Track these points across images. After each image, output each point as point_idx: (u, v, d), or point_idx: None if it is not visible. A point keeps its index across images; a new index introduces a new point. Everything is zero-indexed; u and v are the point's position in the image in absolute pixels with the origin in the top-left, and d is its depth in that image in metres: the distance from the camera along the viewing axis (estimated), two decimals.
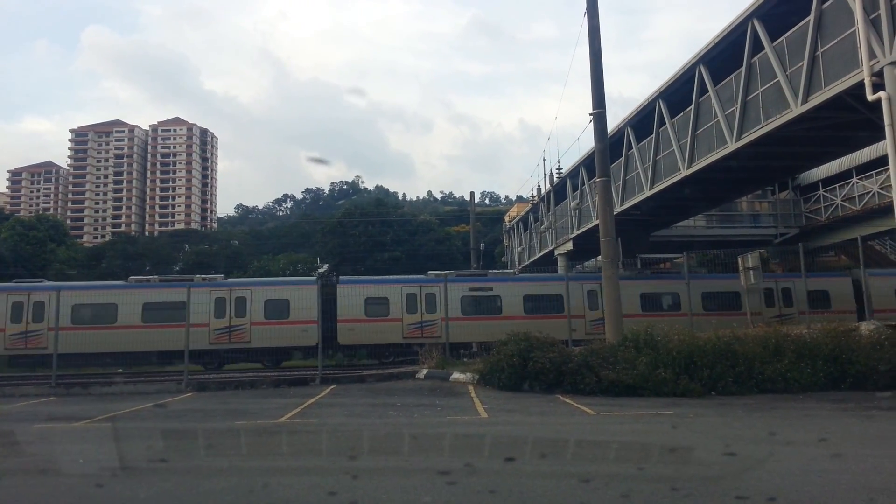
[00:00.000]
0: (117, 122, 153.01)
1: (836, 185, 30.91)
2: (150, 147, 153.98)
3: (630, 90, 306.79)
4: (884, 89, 14.61)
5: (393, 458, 7.49)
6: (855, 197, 29.41)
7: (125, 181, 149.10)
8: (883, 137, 15.39)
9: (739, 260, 21.97)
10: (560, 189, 36.31)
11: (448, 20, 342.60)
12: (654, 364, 13.45)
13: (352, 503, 5.25)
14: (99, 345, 21.70)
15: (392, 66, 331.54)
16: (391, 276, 29.65)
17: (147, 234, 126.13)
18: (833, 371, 13.21)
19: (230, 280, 26.38)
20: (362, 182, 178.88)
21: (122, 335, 22.30)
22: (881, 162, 25.48)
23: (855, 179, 29.46)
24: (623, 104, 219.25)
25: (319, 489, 5.81)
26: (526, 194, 48.43)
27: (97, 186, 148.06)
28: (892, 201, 15.22)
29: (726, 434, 8.93)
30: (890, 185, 15.91)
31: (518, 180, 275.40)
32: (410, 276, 27.14)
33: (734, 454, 7.25)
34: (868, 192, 28.43)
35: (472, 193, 48.00)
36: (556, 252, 35.80)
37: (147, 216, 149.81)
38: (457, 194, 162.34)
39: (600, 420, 10.51)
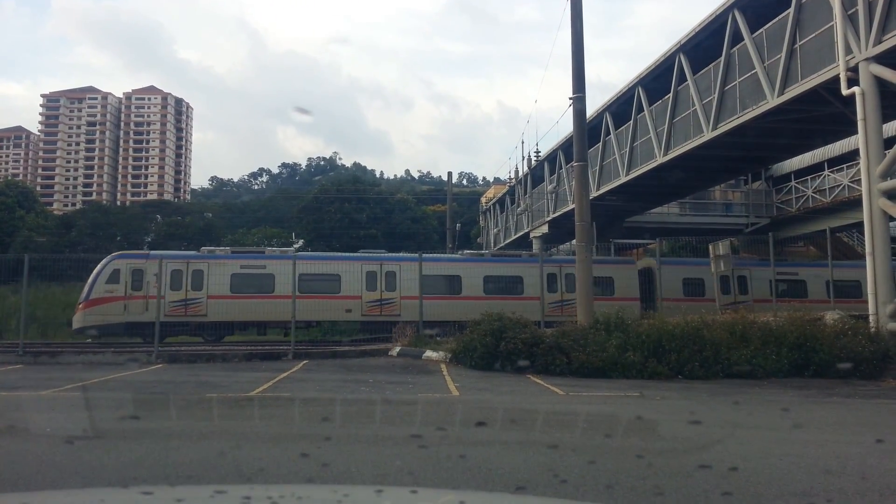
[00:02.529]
0: (90, 89, 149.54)
1: (808, 177, 31.43)
2: (123, 115, 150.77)
3: (610, 76, 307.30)
4: (858, 84, 14.87)
5: (364, 427, 7.59)
6: (826, 189, 29.95)
7: (97, 149, 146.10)
8: (855, 132, 15.68)
9: (710, 248, 22.30)
10: (537, 172, 36.44)
11: None
12: (624, 347, 13.66)
13: (323, 465, 5.32)
14: (255, 314, 21.71)
15: (372, 42, 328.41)
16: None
17: (119, 203, 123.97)
18: (797, 358, 13.53)
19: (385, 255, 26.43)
20: (340, 158, 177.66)
21: (278, 304, 21.69)
22: (852, 156, 25.95)
23: (826, 172, 29.97)
24: (602, 89, 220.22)
25: (291, 453, 5.89)
26: (503, 176, 48.58)
27: (68, 154, 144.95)
28: (861, 195, 15.52)
29: (691, 415, 9.15)
30: (860, 179, 16.23)
31: (496, 162, 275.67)
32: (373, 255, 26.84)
33: (698, 432, 7.46)
34: (838, 185, 28.96)
35: (449, 174, 48.05)
36: (532, 235, 35.99)
37: (119, 185, 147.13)
38: (434, 174, 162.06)
39: (569, 399, 10.69)
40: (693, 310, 16.24)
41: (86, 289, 22.36)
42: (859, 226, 21.82)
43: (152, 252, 24.63)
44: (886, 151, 14.84)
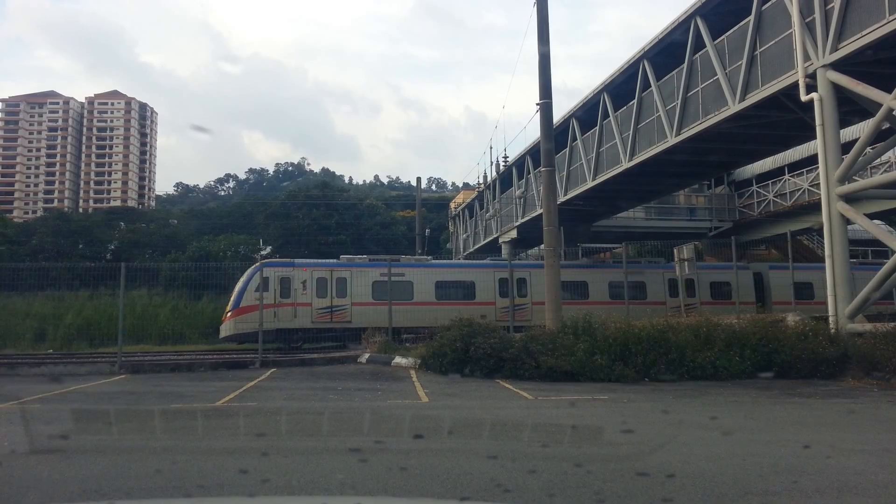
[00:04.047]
0: (51, 94, 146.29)
1: (769, 182, 32.06)
2: (86, 120, 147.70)
3: (576, 81, 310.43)
4: (817, 91, 15.22)
5: (326, 439, 7.52)
6: (786, 193, 30.58)
7: (59, 155, 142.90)
8: (814, 137, 16.04)
9: (675, 251, 22.62)
10: (506, 177, 36.60)
11: (398, 2, 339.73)
12: (592, 350, 13.78)
13: (263, 481, 5.24)
14: (395, 320, 21.22)
15: (339, 47, 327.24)
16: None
17: (81, 210, 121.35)
18: (760, 360, 13.76)
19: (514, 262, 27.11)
20: (308, 164, 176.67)
21: (417, 311, 21.80)
22: (812, 160, 26.59)
23: (787, 177, 30.62)
24: (569, 95, 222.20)
25: (231, 468, 5.78)
26: (472, 181, 48.70)
27: (29, 160, 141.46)
28: (820, 198, 15.89)
29: (663, 414, 9.27)
30: (819, 183, 16.61)
31: (464, 167, 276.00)
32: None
33: (649, 436, 7.62)
34: (798, 189, 29.60)
35: (418, 179, 48.08)
36: (501, 240, 36.13)
37: (82, 192, 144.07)
38: (404, 179, 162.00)
39: (538, 404, 10.73)
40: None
41: (234, 297, 22.69)
42: (819, 229, 22.35)
43: (297, 260, 25.59)
44: (844, 156, 15.22)
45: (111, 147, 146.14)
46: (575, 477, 5.53)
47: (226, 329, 22.85)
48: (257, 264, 24.02)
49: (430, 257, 29.08)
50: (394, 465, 5.83)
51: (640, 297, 24.44)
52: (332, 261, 25.90)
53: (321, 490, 5.19)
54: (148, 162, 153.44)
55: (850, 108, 15.92)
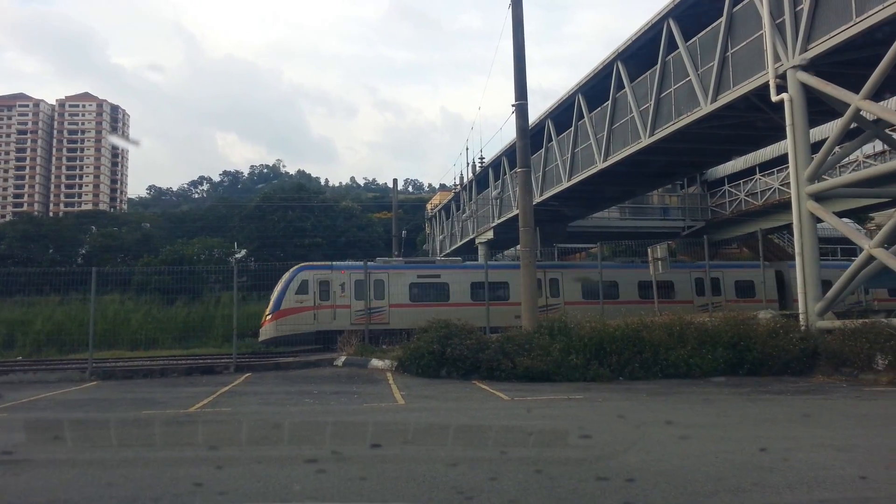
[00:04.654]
0: (21, 96, 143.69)
1: (741, 181, 32.51)
2: (56, 123, 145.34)
3: (551, 83, 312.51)
4: (787, 91, 15.44)
5: (294, 446, 7.42)
6: (757, 193, 31.01)
7: (28, 158, 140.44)
8: (784, 137, 16.28)
9: (649, 251, 22.80)
10: (482, 178, 36.67)
11: (373, 4, 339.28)
12: (567, 350, 13.83)
13: (220, 494, 5.14)
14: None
15: (315, 49, 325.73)
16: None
17: (52, 214, 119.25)
18: (732, 357, 13.94)
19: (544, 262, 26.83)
20: (283, 166, 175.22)
21: (453, 312, 21.40)
22: (782, 160, 26.95)
23: (758, 176, 31.05)
24: (544, 96, 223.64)
25: (186, 480, 5.60)
26: (449, 182, 48.71)
27: None
28: (790, 198, 16.12)
29: (629, 417, 9.31)
30: (789, 182, 16.85)
31: (441, 168, 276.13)
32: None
33: (623, 434, 7.67)
34: (769, 189, 30.03)
35: (394, 180, 48.00)
36: (477, 240, 36.17)
37: (52, 196, 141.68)
38: (380, 181, 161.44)
39: (514, 405, 10.73)
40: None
41: (273, 300, 22.70)
42: (789, 227, 22.68)
43: (335, 263, 25.98)
44: (814, 155, 15.45)
45: (82, 150, 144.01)
46: (539, 479, 5.52)
47: (266, 332, 22.86)
48: (296, 267, 24.24)
49: (459, 259, 29.30)
50: (353, 474, 5.74)
51: (669, 297, 24.89)
52: (369, 262, 26.31)
53: (281, 496, 5.09)
54: (120, 164, 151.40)
55: (819, 109, 16.16)
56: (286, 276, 23.54)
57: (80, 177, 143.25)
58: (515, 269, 24.63)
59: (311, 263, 26.37)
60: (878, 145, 23.57)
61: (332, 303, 23.00)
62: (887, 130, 17.20)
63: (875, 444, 7.14)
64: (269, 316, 22.93)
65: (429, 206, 58.00)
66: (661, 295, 23.08)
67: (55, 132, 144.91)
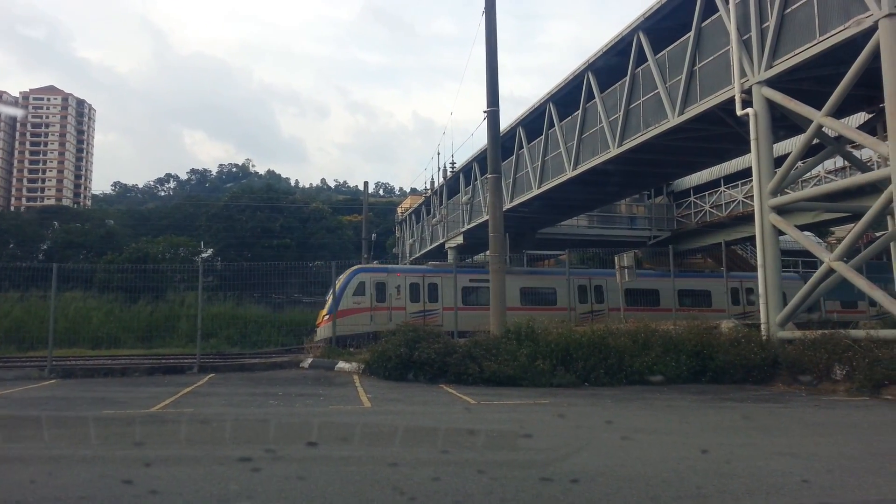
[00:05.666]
0: None
1: (706, 193, 33.09)
2: (19, 116, 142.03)
3: (523, 91, 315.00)
4: (752, 106, 15.78)
5: (236, 446, 7.31)
6: (722, 204, 31.60)
7: None
8: (749, 150, 16.61)
9: (616, 259, 23.09)
10: (453, 183, 36.75)
11: (346, 5, 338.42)
12: (534, 356, 13.93)
13: (151, 492, 5.03)
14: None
15: (287, 49, 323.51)
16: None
17: (13, 209, 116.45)
18: (695, 365, 14.18)
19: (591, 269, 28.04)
20: (253, 165, 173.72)
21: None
22: (746, 173, 27.45)
23: (722, 188, 31.65)
24: (516, 103, 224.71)
25: (112, 478, 5.44)
26: (420, 187, 48.74)
27: None
28: (754, 210, 16.46)
29: (591, 422, 9.42)
30: (753, 195, 17.20)
31: (412, 172, 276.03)
32: None
33: (584, 440, 7.73)
34: (734, 201, 30.63)
35: (365, 183, 47.68)
36: (447, 245, 36.24)
37: (14, 190, 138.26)
38: (351, 183, 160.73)
39: (480, 409, 10.77)
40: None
41: (331, 301, 22.57)
42: (752, 239, 23.13)
43: (389, 266, 27.25)
44: (777, 170, 15.81)
45: (46, 143, 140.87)
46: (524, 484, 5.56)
47: (324, 332, 22.75)
48: (352, 269, 24.92)
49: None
50: (333, 472, 5.73)
51: (706, 305, 25.53)
52: (422, 267, 27.53)
53: (218, 497, 5.00)
54: (84, 160, 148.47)
55: (783, 124, 16.56)
56: (343, 277, 23.89)
57: (43, 171, 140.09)
58: (561, 276, 25.73)
59: (366, 266, 27.30)
60: (840, 161, 24.16)
61: (388, 305, 23.85)
62: (848, 147, 17.64)
63: (832, 452, 7.31)
64: (327, 316, 22.96)
65: (399, 210, 57.95)
66: (696, 303, 24.65)
67: (18, 125, 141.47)
